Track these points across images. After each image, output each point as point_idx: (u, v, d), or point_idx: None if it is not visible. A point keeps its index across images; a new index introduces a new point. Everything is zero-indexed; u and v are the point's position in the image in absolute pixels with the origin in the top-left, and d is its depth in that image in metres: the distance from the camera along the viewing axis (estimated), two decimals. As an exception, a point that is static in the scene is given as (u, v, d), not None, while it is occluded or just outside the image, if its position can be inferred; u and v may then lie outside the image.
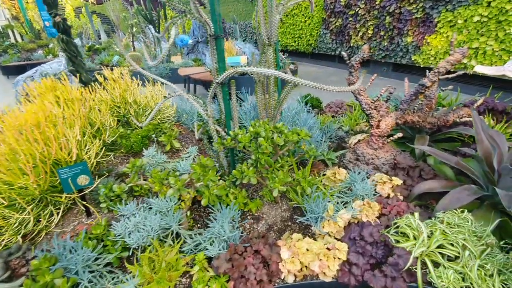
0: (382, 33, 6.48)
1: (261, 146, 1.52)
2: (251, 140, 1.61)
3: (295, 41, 9.53)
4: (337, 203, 1.80)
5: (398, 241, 1.45)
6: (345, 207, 1.77)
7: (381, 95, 2.19)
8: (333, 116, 3.29)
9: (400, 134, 2.09)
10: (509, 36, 4.32)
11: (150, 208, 1.59)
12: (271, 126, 1.64)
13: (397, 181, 1.91)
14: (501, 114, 2.82)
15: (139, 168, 1.71)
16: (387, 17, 6.17)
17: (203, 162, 1.41)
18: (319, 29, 8.42)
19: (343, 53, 2.22)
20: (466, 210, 1.55)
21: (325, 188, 2.01)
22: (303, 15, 8.79)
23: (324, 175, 2.12)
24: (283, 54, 6.90)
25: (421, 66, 5.80)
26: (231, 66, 6.19)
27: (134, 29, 9.85)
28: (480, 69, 2.30)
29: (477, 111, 2.79)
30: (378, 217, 1.73)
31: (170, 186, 1.58)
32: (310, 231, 1.66)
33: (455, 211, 1.56)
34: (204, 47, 8.80)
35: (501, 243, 1.41)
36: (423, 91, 1.96)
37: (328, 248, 1.43)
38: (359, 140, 2.50)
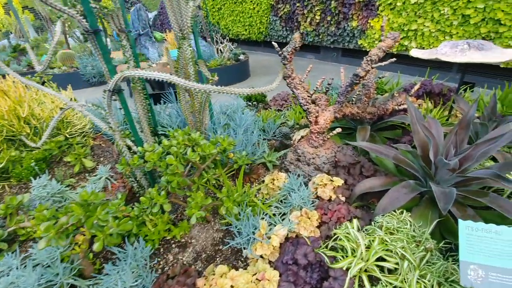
0: (329, 18, 6.42)
1: (170, 166, 1.24)
2: (161, 158, 1.32)
3: (246, 30, 9.19)
4: (275, 215, 1.60)
5: (335, 259, 1.29)
6: (283, 219, 1.58)
7: (317, 87, 2.01)
8: (278, 110, 3.10)
9: (338, 130, 1.94)
10: (443, 16, 4.45)
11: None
12: (185, 139, 1.36)
13: (338, 181, 1.76)
14: (438, 96, 2.84)
15: (15, 208, 1.34)
16: (333, 2, 6.10)
17: (86, 198, 1.10)
18: (269, 16, 8.16)
19: (273, 43, 1.98)
20: (405, 211, 1.43)
21: (264, 198, 1.81)
22: (251, 1, 8.45)
23: (263, 182, 1.91)
24: (232, 44, 6.54)
25: (367, 50, 5.85)
26: (174, 60, 5.71)
27: (67, 24, 8.74)
28: (415, 53, 2.23)
29: (415, 96, 2.78)
30: (319, 226, 1.57)
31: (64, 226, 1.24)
32: (243, 255, 1.44)
33: (394, 212, 1.44)
34: (147, 40, 8.09)
35: (442, 243, 1.32)
36: (357, 81, 1.81)
37: (258, 279, 1.21)
38: (302, 137, 2.33)
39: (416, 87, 2.27)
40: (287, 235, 1.49)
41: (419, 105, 2.74)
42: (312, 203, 1.62)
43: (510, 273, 0.93)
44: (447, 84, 3.08)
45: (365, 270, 1.25)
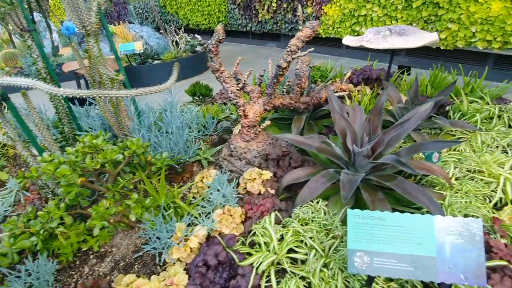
0: (285, 5, 6.35)
1: (65, 176, 1.16)
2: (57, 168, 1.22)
3: (205, 19, 8.91)
4: (200, 215, 1.57)
5: (250, 255, 1.29)
6: (209, 219, 1.55)
7: (245, 81, 1.97)
8: (224, 104, 3.04)
9: (268, 122, 1.93)
10: (389, 1, 4.55)
11: None
12: (86, 145, 1.27)
13: (267, 174, 1.76)
14: (376, 82, 2.91)
15: None
16: (287, -12, 6.03)
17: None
18: (227, 4, 7.94)
19: (197, 36, 1.90)
20: (320, 200, 1.46)
21: (192, 198, 1.77)
22: (208, -11, 8.17)
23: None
24: (188, 35, 6.30)
25: (323, 36, 5.89)
26: (126, 55, 5.42)
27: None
28: (345, 40, 2.25)
29: (355, 83, 2.82)
30: (244, 222, 1.56)
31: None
32: (161, 260, 1.40)
33: (311, 202, 1.47)
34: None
35: (353, 229, 1.36)
36: (281, 72, 1.79)
37: (166, 285, 1.19)
38: (261, 129, 2.30)
39: (347, 75, 2.30)
40: (209, 234, 1.47)
41: (358, 91, 2.80)
42: (237, 199, 1.61)
43: (392, 257, 0.97)
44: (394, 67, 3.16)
45: (278, 263, 1.26)
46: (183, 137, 1.93)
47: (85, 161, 1.21)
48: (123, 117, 1.80)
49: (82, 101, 2.54)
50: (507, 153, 1.80)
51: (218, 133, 2.49)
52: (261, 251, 1.28)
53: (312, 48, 1.75)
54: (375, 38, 2.01)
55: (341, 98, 2.47)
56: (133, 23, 7.19)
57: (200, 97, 3.07)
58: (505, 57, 3.85)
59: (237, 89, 1.96)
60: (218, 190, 1.55)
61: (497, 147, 1.85)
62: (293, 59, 1.75)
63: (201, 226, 1.44)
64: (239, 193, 1.79)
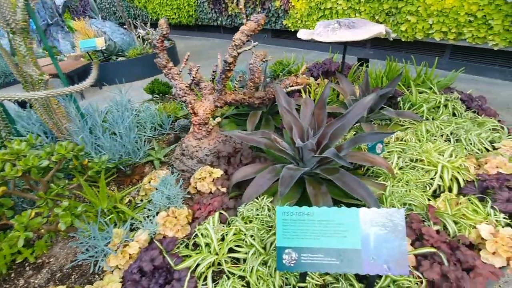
0: (253, -2, 6.28)
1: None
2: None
3: (175, 13, 8.65)
4: (145, 218, 1.51)
5: (189, 257, 1.26)
6: (152, 222, 1.50)
7: (193, 78, 1.91)
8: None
9: (218, 119, 1.89)
10: (352, -6, 4.60)
11: None
12: (7, 152, 1.17)
13: (217, 172, 1.73)
14: (335, 75, 2.94)
15: None
16: (254, -19, 5.95)
17: None
18: (196, -2, 7.75)
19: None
20: (265, 196, 1.45)
21: (141, 201, 1.71)
22: (175, -18, 7.92)
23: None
24: (155, 30, 6.08)
25: (292, 30, 5.88)
26: (86, 52, 5.15)
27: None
28: (299, 34, 2.23)
29: (315, 76, 2.83)
30: (191, 223, 1.53)
31: None
32: (99, 269, 1.34)
33: (256, 200, 1.45)
34: (58, 31, 7.18)
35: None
36: (228, 67, 1.75)
37: (98, 295, 1.13)
38: (212, 127, 2.24)
39: (302, 69, 2.29)
40: (154, 238, 1.42)
41: (318, 84, 2.81)
42: (183, 200, 1.57)
43: (319, 252, 0.97)
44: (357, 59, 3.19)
45: (219, 264, 1.24)
46: (130, 138, 1.84)
47: (4, 169, 1.12)
48: (59, 119, 1.69)
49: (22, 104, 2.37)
50: (450, 141, 1.87)
51: (175, 131, 2.42)
52: (201, 252, 1.26)
53: (256, 43, 1.71)
54: (324, 31, 2.01)
55: (298, 92, 2.47)
56: (95, 18, 6.84)
57: (160, 94, 2.97)
58: (461, 48, 4.02)
59: (186, 86, 1.90)
60: (162, 192, 1.49)
61: (441, 135, 1.92)
62: (238, 53, 1.71)
63: (142, 230, 1.38)
64: (189, 193, 1.74)
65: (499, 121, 2.02)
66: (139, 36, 6.04)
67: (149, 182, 1.72)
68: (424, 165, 1.58)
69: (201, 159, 1.84)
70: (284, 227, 0.99)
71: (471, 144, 1.78)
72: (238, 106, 2.63)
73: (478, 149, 1.77)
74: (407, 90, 2.39)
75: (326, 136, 1.50)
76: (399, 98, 2.29)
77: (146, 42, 5.88)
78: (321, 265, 0.96)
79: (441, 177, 1.52)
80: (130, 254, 1.29)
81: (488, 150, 1.76)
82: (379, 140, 1.37)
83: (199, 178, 1.71)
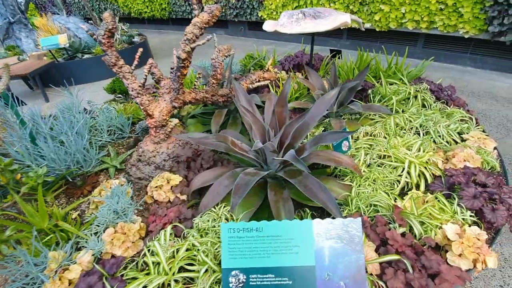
0: (226, -11, 6.06)
1: None
2: None
3: (147, 6, 8.28)
4: (92, 235, 1.36)
5: (135, 279, 1.13)
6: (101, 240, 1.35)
7: (146, 76, 1.75)
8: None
9: (175, 120, 1.75)
10: (326, -17, 4.49)
11: None
12: None
13: (176, 179, 1.59)
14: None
15: None
16: (226, -29, 5.73)
17: None
18: (168, -10, 7.43)
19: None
20: (223, 205, 1.33)
21: (92, 216, 1.55)
22: (145, -27, 7.55)
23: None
24: (124, 24, 5.76)
25: (267, 21, 5.72)
26: (49, 50, 4.81)
27: None
28: (264, 25, 2.10)
29: (286, 69, 2.72)
30: (144, 238, 1.39)
31: None
32: (35, 297, 1.19)
33: (213, 209, 1.33)
34: (21, 29, 6.70)
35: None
36: (182, 64, 1.60)
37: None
38: (171, 129, 2.08)
39: (269, 63, 2.17)
40: (100, 258, 1.28)
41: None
42: (138, 211, 1.43)
43: (269, 272, 0.87)
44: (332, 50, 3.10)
45: (169, 285, 1.11)
46: (79, 145, 1.67)
47: None
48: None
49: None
50: (419, 134, 1.81)
51: (137, 134, 2.25)
52: (151, 273, 1.13)
53: (210, 36, 1.57)
54: (288, 22, 1.89)
55: (266, 87, 2.35)
56: (59, 14, 6.42)
57: (123, 94, 2.78)
58: (433, 36, 4.01)
59: (139, 86, 1.74)
60: (109, 206, 1.35)
61: (411, 128, 1.86)
62: (192, 48, 1.56)
63: (85, 251, 1.24)
64: (146, 203, 1.60)
65: (467, 111, 1.98)
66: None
67: (100, 194, 1.56)
68: (391, 161, 1.50)
69: (158, 165, 1.70)
70: (231, 246, 0.88)
71: (439, 136, 1.73)
72: (206, 104, 2.48)
73: (447, 142, 1.72)
74: (379, 82, 2.32)
75: (288, 135, 1.40)
76: (369, 91, 2.21)
77: (115, 37, 5.56)
78: (272, 286, 0.86)
79: (408, 173, 1.45)
80: (69, 280, 1.15)
81: (456, 142, 1.72)
82: (340, 139, 1.28)
83: (156, 187, 1.57)
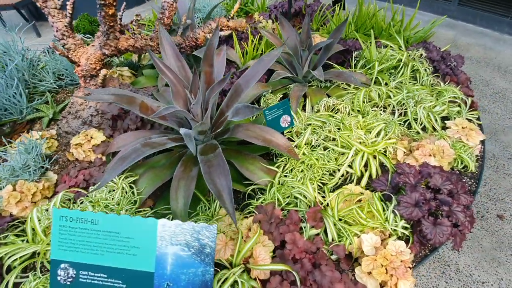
0: None
1: None
2: None
3: None
4: (-2, 189, 1.29)
5: (5, 245, 1.05)
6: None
7: (70, 13, 1.48)
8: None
9: (104, 71, 1.52)
10: None
11: None
12: None
13: (98, 138, 1.45)
14: (297, 17, 2.40)
15: None
16: None
17: None
18: None
19: None
20: (124, 176, 1.18)
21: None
22: None
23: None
24: None
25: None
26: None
27: None
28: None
29: (269, 16, 2.30)
30: (50, 198, 1.30)
31: None
32: None
33: (114, 179, 1.18)
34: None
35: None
36: (103, 1, 1.31)
37: None
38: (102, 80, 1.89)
39: (235, 7, 1.80)
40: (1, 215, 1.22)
41: (274, 29, 2.30)
42: (58, 168, 1.32)
43: (101, 271, 0.73)
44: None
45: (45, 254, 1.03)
46: (7, 91, 1.53)
47: None
48: None
49: None
50: (394, 114, 1.48)
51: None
52: (29, 241, 1.05)
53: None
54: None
55: (229, 38, 1.99)
56: None
57: (86, 34, 2.53)
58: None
59: (65, 26, 1.49)
60: (5, 160, 1.24)
61: (387, 106, 1.53)
62: None
63: (-24, 209, 1.17)
64: (69, 160, 1.49)
65: (468, 89, 1.58)
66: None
67: (10, 146, 1.46)
68: (337, 146, 1.24)
69: (85, 119, 1.54)
70: (62, 236, 0.74)
71: (415, 120, 1.40)
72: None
73: (424, 128, 1.40)
74: (374, 42, 1.89)
75: (208, 101, 1.15)
76: (355, 53, 1.82)
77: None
78: (102, 287, 0.73)
79: (351, 163, 1.19)
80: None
81: (435, 130, 1.39)
82: (250, 114, 1.01)
83: (76, 144, 1.44)
